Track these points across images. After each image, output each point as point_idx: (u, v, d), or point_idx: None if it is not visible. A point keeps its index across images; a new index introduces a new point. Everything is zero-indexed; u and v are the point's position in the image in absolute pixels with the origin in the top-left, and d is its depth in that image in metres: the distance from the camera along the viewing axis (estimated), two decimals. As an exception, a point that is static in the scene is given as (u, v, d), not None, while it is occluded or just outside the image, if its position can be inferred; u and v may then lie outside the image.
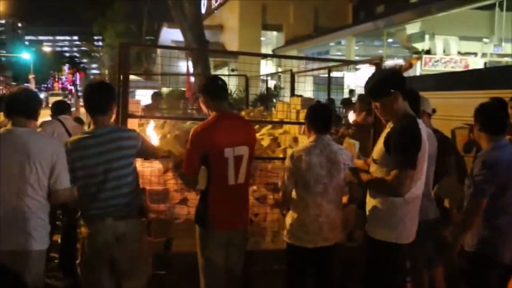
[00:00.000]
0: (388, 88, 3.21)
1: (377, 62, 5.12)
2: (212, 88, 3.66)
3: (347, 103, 9.85)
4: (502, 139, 3.45)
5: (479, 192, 3.34)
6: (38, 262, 3.33)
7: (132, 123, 4.42)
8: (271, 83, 17.46)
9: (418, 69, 15.80)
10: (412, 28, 16.18)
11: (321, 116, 3.84)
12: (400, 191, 3.08)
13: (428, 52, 16.29)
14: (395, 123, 3.23)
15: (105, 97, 3.45)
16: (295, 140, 6.09)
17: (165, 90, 21.33)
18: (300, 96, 7.59)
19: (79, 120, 6.47)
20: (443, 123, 6.63)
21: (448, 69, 15.47)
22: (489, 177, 3.32)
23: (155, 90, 13.22)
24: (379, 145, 3.31)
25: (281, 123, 6.73)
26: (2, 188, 3.18)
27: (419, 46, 16.27)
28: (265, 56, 17.10)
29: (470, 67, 15.40)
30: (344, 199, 3.90)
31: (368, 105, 6.05)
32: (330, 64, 7.80)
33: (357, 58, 18.52)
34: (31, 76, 64.29)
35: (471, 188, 3.39)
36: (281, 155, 6.06)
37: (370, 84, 3.33)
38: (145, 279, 3.58)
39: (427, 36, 16.02)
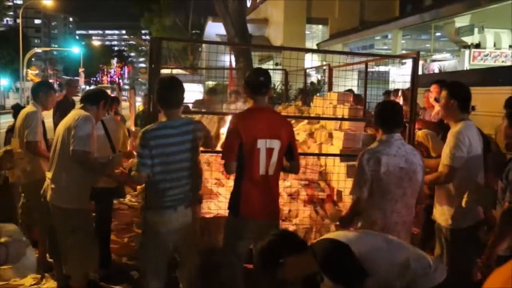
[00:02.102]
0: (276, 259, 2.40)
1: (414, 56, 4.96)
2: (253, 82, 3.76)
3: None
4: None
5: None
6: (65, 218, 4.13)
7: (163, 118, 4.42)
8: (315, 78, 17.26)
9: (466, 64, 15.30)
10: (461, 21, 15.63)
11: (392, 113, 3.55)
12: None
13: (478, 46, 15.75)
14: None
15: (179, 93, 3.68)
16: (330, 135, 5.98)
17: (209, 84, 21.45)
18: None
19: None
20: (488, 120, 6.40)
21: (498, 63, 14.90)
22: None
23: (211, 86, 13.16)
24: None
25: (315, 118, 6.63)
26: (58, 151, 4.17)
27: (468, 39, 15.72)
28: (302, 50, 16.83)
29: (522, 61, 14.81)
30: None
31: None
32: (368, 58, 7.60)
33: (404, 52, 18.07)
34: (80, 70, 66.10)
35: (507, 192, 3.08)
36: (316, 151, 5.99)
37: (255, 262, 2.59)
38: (198, 259, 3.90)
39: (476, 30, 15.46)
